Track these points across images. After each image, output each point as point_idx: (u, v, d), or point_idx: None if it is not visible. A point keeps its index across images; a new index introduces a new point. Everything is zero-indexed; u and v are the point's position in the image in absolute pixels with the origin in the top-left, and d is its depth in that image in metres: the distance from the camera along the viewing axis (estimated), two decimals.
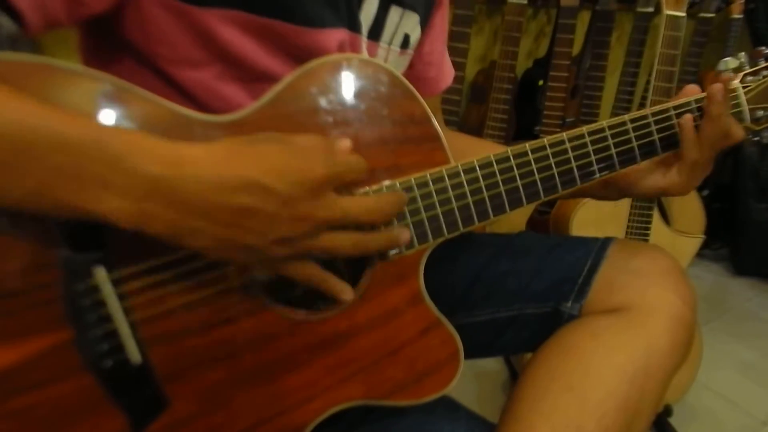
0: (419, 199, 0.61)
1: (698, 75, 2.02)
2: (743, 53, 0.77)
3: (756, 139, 0.79)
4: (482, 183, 0.64)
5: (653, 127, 0.73)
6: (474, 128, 1.98)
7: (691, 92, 0.74)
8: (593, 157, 0.70)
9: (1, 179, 0.42)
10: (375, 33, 0.74)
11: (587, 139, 0.69)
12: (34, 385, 0.48)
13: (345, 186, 0.53)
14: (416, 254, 0.63)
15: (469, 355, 0.67)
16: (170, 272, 0.52)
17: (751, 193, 2.26)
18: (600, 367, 0.68)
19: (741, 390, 1.69)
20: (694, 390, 1.52)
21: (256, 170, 0.47)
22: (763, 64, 0.77)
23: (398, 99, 0.62)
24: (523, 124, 2.02)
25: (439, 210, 0.62)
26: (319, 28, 0.63)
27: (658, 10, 1.48)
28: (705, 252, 2.44)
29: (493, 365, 1.69)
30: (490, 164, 0.65)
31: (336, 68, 0.59)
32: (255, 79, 0.62)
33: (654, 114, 0.73)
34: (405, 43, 0.79)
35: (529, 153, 0.67)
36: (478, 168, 0.64)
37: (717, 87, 0.70)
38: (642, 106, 0.67)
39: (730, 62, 0.77)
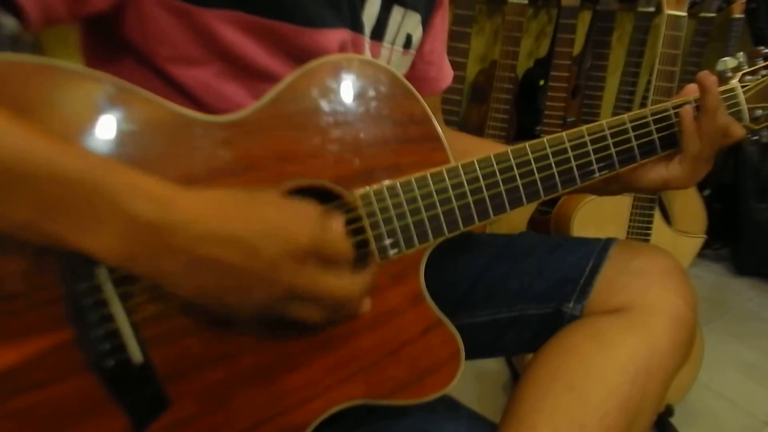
0: (419, 199, 0.61)
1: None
2: (742, 53, 0.78)
3: (755, 138, 0.79)
4: (482, 182, 0.64)
5: (653, 127, 0.73)
6: (475, 128, 1.98)
7: (691, 92, 0.74)
8: (593, 157, 0.70)
9: None
10: (378, 33, 0.74)
11: (587, 138, 0.69)
12: (36, 384, 0.48)
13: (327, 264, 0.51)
14: (417, 254, 0.63)
15: (470, 355, 0.67)
16: None
17: (752, 193, 2.26)
18: (602, 367, 0.68)
19: (742, 390, 1.68)
20: (695, 390, 1.52)
21: (246, 228, 0.47)
22: (761, 64, 0.77)
23: (398, 99, 0.62)
24: (524, 124, 2.02)
25: (439, 209, 0.62)
26: (319, 28, 0.63)
27: (659, 9, 1.48)
28: (706, 252, 2.44)
29: (494, 365, 1.69)
30: (490, 164, 0.65)
31: (336, 68, 0.59)
32: (255, 78, 0.62)
33: (653, 113, 0.73)
34: (407, 43, 0.79)
35: (529, 152, 0.67)
36: (478, 167, 0.64)
37: (710, 79, 0.71)
38: (643, 106, 0.67)
39: (729, 62, 0.77)
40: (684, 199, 1.71)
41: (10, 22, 0.48)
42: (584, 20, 2.08)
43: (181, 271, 0.46)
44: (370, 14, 0.71)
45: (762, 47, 0.78)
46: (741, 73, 0.77)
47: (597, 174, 0.71)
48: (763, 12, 2.27)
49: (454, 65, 0.96)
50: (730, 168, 2.30)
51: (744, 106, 0.76)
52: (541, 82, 2.01)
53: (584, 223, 1.50)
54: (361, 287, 0.53)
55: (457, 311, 0.81)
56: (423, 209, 0.62)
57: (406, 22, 0.77)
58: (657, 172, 0.76)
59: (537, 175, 0.67)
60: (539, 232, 1.70)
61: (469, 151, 0.66)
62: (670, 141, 0.74)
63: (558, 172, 0.68)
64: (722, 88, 0.75)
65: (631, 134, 0.72)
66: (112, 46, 0.61)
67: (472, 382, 1.62)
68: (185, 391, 0.54)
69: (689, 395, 1.52)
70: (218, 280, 0.47)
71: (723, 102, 0.72)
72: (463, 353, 0.66)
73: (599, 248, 0.81)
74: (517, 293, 0.82)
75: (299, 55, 0.61)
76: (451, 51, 1.58)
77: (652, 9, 1.83)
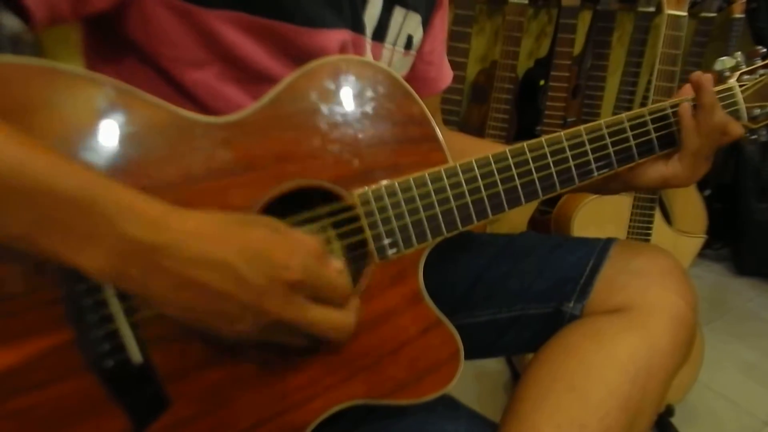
0: (418, 199, 0.61)
1: None
2: (739, 53, 0.78)
3: (754, 137, 0.79)
4: (480, 182, 0.64)
5: (650, 126, 0.73)
6: (475, 128, 1.98)
7: (688, 92, 0.75)
8: (591, 156, 0.70)
9: None
10: (379, 34, 0.74)
11: (585, 138, 0.70)
12: (36, 385, 0.48)
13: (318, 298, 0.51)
14: (416, 253, 0.63)
15: (470, 355, 0.67)
16: None
17: (753, 193, 2.26)
18: (602, 366, 0.68)
19: (743, 390, 1.68)
20: (695, 390, 1.52)
21: (237, 255, 0.46)
22: (759, 63, 0.77)
23: (397, 99, 0.62)
24: (524, 124, 2.02)
25: (437, 209, 0.63)
26: (319, 29, 0.63)
27: (659, 9, 1.48)
28: (706, 252, 2.44)
29: (494, 365, 1.69)
30: (488, 163, 0.65)
31: (335, 69, 0.59)
32: (255, 79, 0.62)
33: (651, 112, 0.73)
34: (408, 44, 0.79)
35: (527, 152, 0.67)
36: (476, 167, 0.64)
37: (704, 77, 0.71)
38: (643, 106, 0.68)
39: (727, 61, 0.77)
40: (684, 199, 1.71)
41: (11, 22, 0.49)
42: (584, 20, 2.08)
43: (170, 292, 0.46)
44: (371, 15, 0.72)
45: (760, 47, 0.78)
46: (739, 72, 0.77)
47: (595, 173, 0.71)
48: (763, 12, 2.27)
49: (455, 65, 0.96)
50: (730, 168, 2.29)
51: (742, 106, 0.76)
52: (542, 82, 2.01)
53: (584, 223, 1.50)
54: (349, 325, 0.53)
55: (457, 311, 0.81)
56: (421, 209, 0.62)
57: (407, 23, 0.77)
58: (657, 169, 0.76)
59: (535, 175, 0.67)
60: (540, 232, 1.70)
61: (468, 151, 0.66)
62: (668, 140, 0.74)
63: (556, 172, 0.68)
64: (720, 88, 0.75)
65: (629, 134, 0.72)
66: (113, 46, 0.61)
67: (472, 381, 1.62)
68: (185, 391, 0.54)
69: (690, 395, 1.52)
70: (205, 303, 0.47)
71: (718, 99, 0.73)
72: (463, 353, 0.66)
73: (599, 248, 0.81)
74: (518, 293, 0.82)
75: (299, 56, 0.61)
76: (452, 51, 1.58)
77: (652, 9, 1.83)
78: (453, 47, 1.59)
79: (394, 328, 0.63)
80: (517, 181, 0.66)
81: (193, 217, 0.47)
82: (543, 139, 0.68)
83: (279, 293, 0.47)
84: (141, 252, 0.44)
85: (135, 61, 0.61)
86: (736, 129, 0.74)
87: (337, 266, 0.51)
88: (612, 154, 0.71)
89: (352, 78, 0.60)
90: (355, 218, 0.59)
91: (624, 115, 0.72)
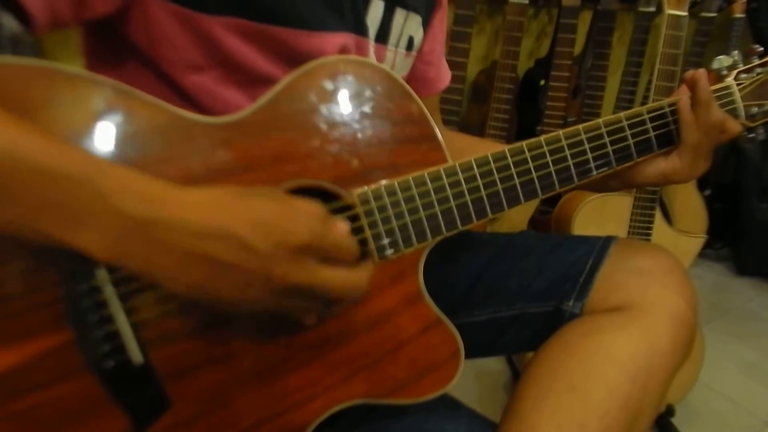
0: (417, 198, 0.61)
1: None
2: (737, 51, 0.78)
3: (751, 135, 0.80)
4: (480, 181, 0.64)
5: (649, 125, 0.73)
6: (475, 128, 1.98)
7: (686, 91, 0.75)
8: (590, 155, 0.70)
9: None
10: (382, 36, 0.74)
11: (584, 137, 0.70)
12: (36, 386, 0.48)
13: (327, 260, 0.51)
14: (415, 253, 0.63)
15: (470, 354, 0.67)
16: None
17: (754, 193, 2.26)
18: (602, 366, 0.68)
19: (743, 390, 1.68)
20: (696, 390, 1.52)
21: (240, 223, 0.46)
22: (756, 62, 0.78)
23: (396, 99, 0.62)
24: (524, 124, 2.02)
25: (437, 208, 0.63)
26: (320, 32, 0.63)
27: (659, 9, 1.48)
28: (707, 252, 2.44)
29: (494, 365, 1.69)
30: (487, 163, 0.65)
31: (334, 69, 0.59)
32: (255, 83, 0.62)
33: (649, 111, 0.73)
34: (410, 45, 0.80)
35: (527, 151, 0.67)
36: (475, 166, 0.64)
37: (699, 72, 0.72)
38: (644, 105, 0.68)
39: (724, 60, 0.78)
40: (685, 199, 1.71)
41: (10, 23, 0.49)
42: (585, 20, 2.08)
43: (176, 267, 0.46)
44: (373, 17, 0.72)
45: (757, 45, 0.78)
46: (736, 71, 0.77)
47: (594, 172, 0.71)
48: (763, 12, 2.27)
49: (455, 65, 0.96)
50: (731, 168, 2.29)
51: (739, 104, 0.77)
52: (542, 82, 2.01)
53: (585, 223, 1.50)
54: (362, 282, 0.53)
55: (457, 310, 0.81)
56: (421, 208, 0.62)
57: (408, 24, 0.77)
58: (656, 166, 0.76)
59: (534, 174, 0.67)
60: (540, 232, 1.70)
61: (467, 151, 0.66)
62: (666, 139, 0.74)
63: (555, 171, 0.68)
64: (718, 86, 0.76)
65: (628, 132, 0.72)
66: (113, 49, 0.61)
67: (473, 381, 1.62)
68: (185, 392, 0.54)
69: (690, 395, 1.52)
70: (213, 275, 0.46)
71: (716, 97, 0.73)
72: (463, 352, 0.66)
73: (599, 246, 0.81)
74: (517, 292, 0.82)
75: (300, 60, 0.61)
76: (452, 51, 1.58)
77: (652, 9, 1.83)
78: (453, 47, 1.59)
79: (394, 328, 0.63)
80: (516, 180, 0.66)
81: (191, 191, 0.47)
82: (542, 138, 0.68)
83: (286, 258, 0.47)
84: (141, 228, 0.44)
85: (135, 64, 0.61)
86: (734, 127, 0.74)
87: (342, 227, 0.51)
88: (611, 153, 0.72)
89: (350, 78, 0.60)
90: (355, 218, 0.59)
91: (622, 114, 0.72)
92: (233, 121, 0.56)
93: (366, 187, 0.60)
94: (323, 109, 0.58)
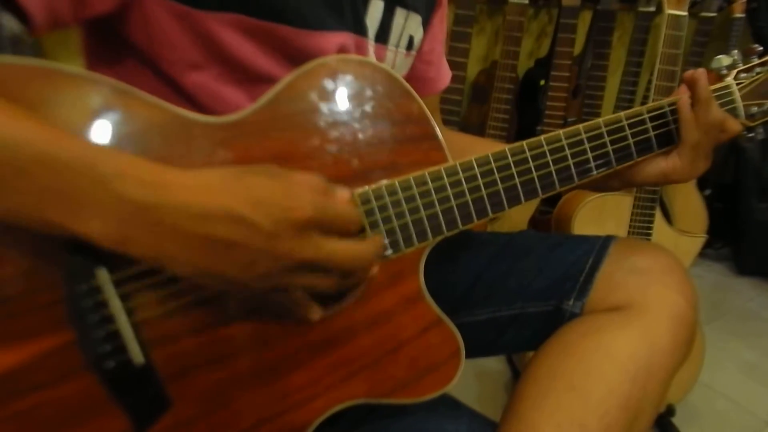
0: (418, 198, 0.61)
1: None
2: (736, 51, 0.78)
3: (751, 135, 0.80)
4: (480, 181, 0.64)
5: (649, 124, 0.73)
6: (475, 128, 1.98)
7: (685, 91, 0.75)
8: (590, 155, 0.70)
9: None
10: (382, 36, 0.74)
11: (584, 136, 0.70)
12: (37, 386, 0.48)
13: (332, 232, 0.51)
14: (416, 252, 0.63)
15: (470, 354, 0.67)
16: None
17: (754, 193, 2.26)
18: (602, 365, 0.68)
19: (743, 389, 1.68)
20: (696, 390, 1.52)
21: (241, 203, 0.46)
22: (756, 61, 0.78)
23: (396, 98, 0.62)
24: (524, 124, 2.02)
25: (438, 208, 0.63)
26: (318, 31, 0.63)
27: (659, 9, 1.48)
28: (707, 251, 2.44)
29: (494, 365, 1.69)
30: (488, 162, 0.65)
31: (334, 68, 0.59)
32: (255, 81, 0.62)
33: (649, 111, 0.73)
34: (410, 44, 0.80)
35: (527, 151, 0.67)
36: (476, 166, 0.64)
37: (698, 71, 0.72)
38: (644, 105, 0.68)
39: (723, 60, 0.78)
40: (685, 199, 1.71)
41: (10, 23, 0.49)
42: (585, 20, 2.08)
43: (180, 250, 0.46)
44: (373, 17, 0.72)
45: (756, 45, 0.78)
46: (736, 70, 0.77)
47: (594, 172, 0.71)
48: (763, 11, 2.27)
49: (455, 65, 0.96)
50: (731, 168, 2.29)
51: (739, 104, 0.77)
52: (542, 82, 2.01)
53: (585, 223, 1.50)
54: (369, 251, 0.53)
55: (458, 310, 0.81)
56: (422, 208, 0.62)
57: (408, 24, 0.77)
58: (656, 165, 0.76)
59: (535, 174, 0.67)
60: (540, 231, 1.70)
61: (467, 150, 0.66)
62: (666, 138, 0.75)
63: (555, 171, 0.68)
64: (718, 86, 0.76)
65: (628, 132, 0.72)
66: (113, 48, 0.61)
67: (473, 381, 1.62)
68: (186, 392, 0.54)
69: (690, 395, 1.52)
70: (217, 256, 0.46)
71: (715, 97, 0.74)
72: (464, 352, 0.66)
73: (599, 246, 0.81)
74: (518, 291, 0.82)
75: (298, 58, 0.61)
76: (452, 51, 1.58)
77: (652, 9, 1.83)
78: (453, 47, 1.59)
79: (395, 327, 0.63)
80: (517, 180, 0.66)
81: (191, 174, 0.47)
82: (542, 138, 0.68)
83: (291, 234, 0.47)
84: (143, 212, 0.44)
85: (135, 63, 0.61)
86: (734, 126, 0.74)
87: (343, 196, 0.51)
88: (611, 153, 0.72)
89: (350, 77, 0.60)
90: None
91: (622, 113, 0.72)
92: (233, 120, 0.56)
93: (367, 187, 0.59)
94: (324, 108, 0.58)
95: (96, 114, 0.49)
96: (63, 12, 0.52)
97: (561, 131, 0.69)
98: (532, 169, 0.67)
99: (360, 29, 0.69)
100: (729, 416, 1.58)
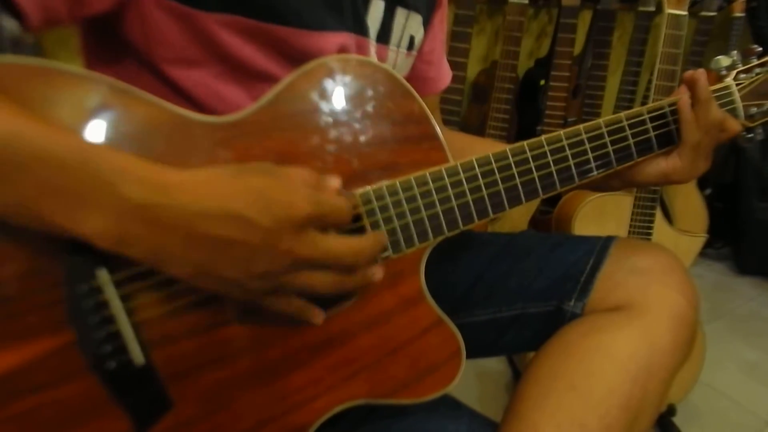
0: (419, 198, 0.61)
1: None
2: (735, 51, 0.78)
3: (750, 135, 0.80)
4: (481, 181, 0.64)
5: (649, 125, 0.73)
6: (475, 128, 1.98)
7: (685, 91, 0.75)
8: (590, 155, 0.70)
9: None
10: (384, 36, 0.74)
11: (584, 136, 0.70)
12: (37, 387, 0.48)
13: (329, 227, 0.52)
14: (417, 253, 0.63)
15: (471, 354, 0.67)
16: None
17: (754, 193, 2.26)
18: (602, 365, 0.68)
19: (744, 389, 1.68)
20: (697, 389, 1.52)
21: (240, 202, 0.46)
22: (755, 62, 0.78)
23: (396, 98, 0.62)
24: (524, 124, 2.02)
25: (439, 208, 0.63)
26: (318, 32, 0.63)
27: (659, 9, 1.48)
28: (707, 251, 2.44)
29: (495, 365, 1.69)
30: (488, 162, 0.65)
31: (334, 68, 0.59)
32: (254, 80, 0.62)
33: (649, 111, 0.73)
34: (410, 44, 0.80)
35: (527, 151, 0.67)
36: (477, 166, 0.64)
37: (698, 72, 0.72)
38: (644, 105, 0.68)
39: (723, 60, 0.78)
40: (685, 198, 1.71)
41: (11, 24, 0.49)
42: (585, 20, 2.08)
43: (178, 251, 0.46)
44: (374, 17, 0.72)
45: (756, 45, 0.78)
46: (735, 71, 0.78)
47: (595, 172, 0.71)
48: (763, 11, 2.27)
49: (455, 65, 0.96)
50: (731, 167, 2.29)
51: (739, 104, 0.77)
52: (542, 82, 2.01)
53: (585, 223, 1.50)
54: (369, 246, 0.53)
55: (458, 310, 0.81)
56: (423, 208, 0.62)
57: (409, 24, 0.77)
58: (656, 166, 0.76)
59: (535, 174, 0.67)
60: (541, 231, 1.70)
61: (468, 150, 0.66)
62: (666, 139, 0.75)
63: (556, 171, 0.68)
64: (717, 86, 0.76)
65: (628, 132, 0.72)
66: (112, 47, 0.61)
67: (474, 381, 1.62)
68: (187, 393, 0.54)
69: (691, 394, 1.52)
70: (216, 254, 0.46)
71: (715, 98, 0.74)
72: (464, 352, 0.66)
73: (600, 246, 0.81)
74: (518, 292, 0.82)
75: (298, 58, 0.61)
76: (452, 51, 1.58)
77: (652, 8, 1.83)
78: (453, 47, 1.59)
79: (395, 328, 0.63)
80: (518, 180, 0.66)
81: (189, 173, 0.47)
82: (543, 138, 0.68)
83: (290, 231, 0.47)
84: (141, 211, 0.44)
85: (134, 63, 0.61)
86: (734, 125, 0.74)
87: (333, 185, 0.52)
88: (611, 153, 0.72)
89: (351, 77, 0.60)
90: (357, 218, 0.59)
91: (623, 114, 0.72)
92: (234, 120, 0.55)
93: (368, 187, 0.59)
94: (324, 108, 0.58)
95: (95, 113, 0.49)
96: (59, 10, 0.52)
97: (562, 131, 0.69)
98: (533, 169, 0.67)
99: (361, 29, 0.69)
100: (730, 416, 1.58)
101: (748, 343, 1.92)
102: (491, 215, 0.66)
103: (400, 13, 0.75)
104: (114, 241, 0.45)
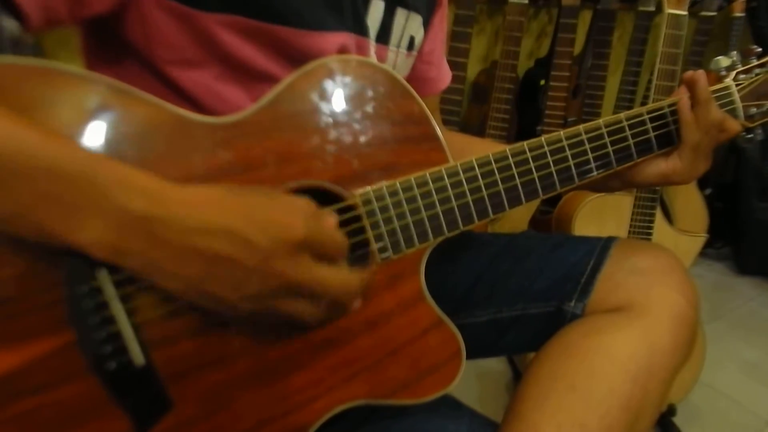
0: (419, 198, 0.61)
1: None
2: (735, 52, 0.78)
3: (750, 135, 0.80)
4: (481, 182, 0.64)
5: (649, 125, 0.74)
6: (475, 128, 1.98)
7: (684, 92, 0.75)
8: (590, 156, 0.70)
9: None
10: (383, 37, 0.74)
11: (584, 137, 0.70)
12: (37, 388, 0.48)
13: (322, 257, 0.51)
14: (417, 253, 0.63)
15: (471, 355, 0.67)
16: None
17: (754, 193, 2.26)
18: (603, 366, 0.68)
19: (745, 389, 1.68)
20: (697, 389, 1.52)
21: (239, 219, 0.46)
22: (755, 63, 0.78)
23: (397, 99, 0.62)
24: (524, 124, 2.02)
25: (439, 209, 0.63)
26: (318, 32, 0.63)
27: (659, 8, 1.48)
28: (708, 251, 2.44)
29: (496, 366, 1.69)
30: (488, 163, 0.65)
31: (334, 69, 0.59)
32: (255, 80, 0.62)
33: (649, 111, 0.74)
34: (411, 45, 0.80)
35: (527, 152, 0.67)
36: (477, 167, 0.64)
37: (698, 72, 0.72)
38: (644, 105, 0.68)
39: (722, 61, 0.78)
40: (685, 198, 1.71)
41: (11, 25, 0.49)
42: (585, 20, 2.08)
43: (173, 264, 0.46)
44: (374, 18, 0.72)
45: (755, 46, 0.78)
46: (735, 71, 0.78)
47: (594, 173, 0.71)
48: (763, 11, 2.27)
49: (455, 65, 0.97)
50: (731, 167, 2.29)
51: (739, 105, 0.77)
52: (542, 82, 2.01)
53: (585, 223, 1.50)
54: (358, 282, 0.53)
55: (458, 311, 0.81)
56: (422, 209, 0.62)
57: (409, 24, 0.77)
58: (656, 166, 0.76)
59: (535, 174, 0.67)
60: (541, 231, 1.70)
61: (468, 151, 0.66)
62: (666, 139, 0.75)
63: (556, 171, 0.69)
64: (717, 87, 0.76)
65: (628, 133, 0.72)
66: (113, 48, 0.61)
67: (474, 381, 1.62)
68: (187, 393, 0.54)
69: (692, 394, 1.52)
70: (210, 271, 0.46)
71: (715, 98, 0.74)
72: (464, 353, 0.66)
73: (600, 247, 0.81)
74: (519, 292, 0.82)
75: (298, 58, 0.61)
76: (452, 51, 1.58)
77: (652, 8, 1.83)
78: (453, 47, 1.59)
79: (396, 328, 0.63)
80: (518, 181, 0.66)
81: (189, 189, 0.47)
82: (543, 138, 0.68)
83: (285, 254, 0.47)
84: (139, 224, 0.44)
85: (134, 64, 0.61)
86: (734, 126, 0.74)
87: (332, 221, 0.51)
88: (611, 154, 0.72)
89: (351, 78, 0.60)
90: (357, 218, 0.59)
91: (623, 114, 0.72)
92: (234, 121, 0.55)
93: (368, 188, 0.59)
94: (324, 109, 0.58)
95: (96, 113, 0.49)
96: (59, 11, 0.52)
97: (561, 132, 0.69)
98: (533, 169, 0.67)
99: (361, 29, 0.69)
100: (730, 416, 1.58)
101: (748, 343, 1.92)
102: (491, 216, 0.66)
103: (400, 14, 0.75)
104: (110, 251, 0.45)
